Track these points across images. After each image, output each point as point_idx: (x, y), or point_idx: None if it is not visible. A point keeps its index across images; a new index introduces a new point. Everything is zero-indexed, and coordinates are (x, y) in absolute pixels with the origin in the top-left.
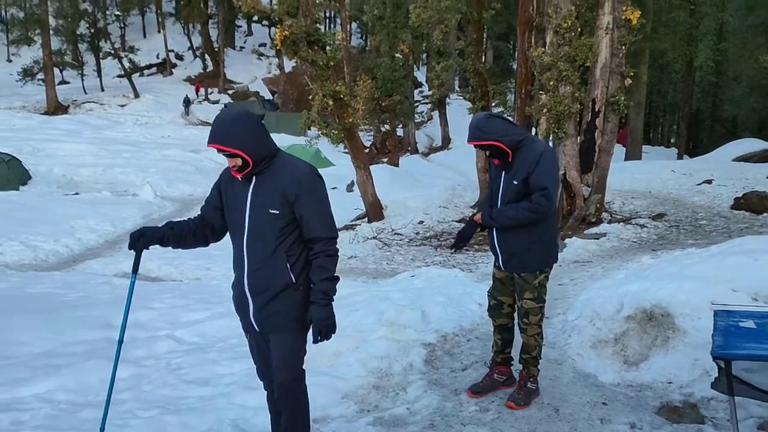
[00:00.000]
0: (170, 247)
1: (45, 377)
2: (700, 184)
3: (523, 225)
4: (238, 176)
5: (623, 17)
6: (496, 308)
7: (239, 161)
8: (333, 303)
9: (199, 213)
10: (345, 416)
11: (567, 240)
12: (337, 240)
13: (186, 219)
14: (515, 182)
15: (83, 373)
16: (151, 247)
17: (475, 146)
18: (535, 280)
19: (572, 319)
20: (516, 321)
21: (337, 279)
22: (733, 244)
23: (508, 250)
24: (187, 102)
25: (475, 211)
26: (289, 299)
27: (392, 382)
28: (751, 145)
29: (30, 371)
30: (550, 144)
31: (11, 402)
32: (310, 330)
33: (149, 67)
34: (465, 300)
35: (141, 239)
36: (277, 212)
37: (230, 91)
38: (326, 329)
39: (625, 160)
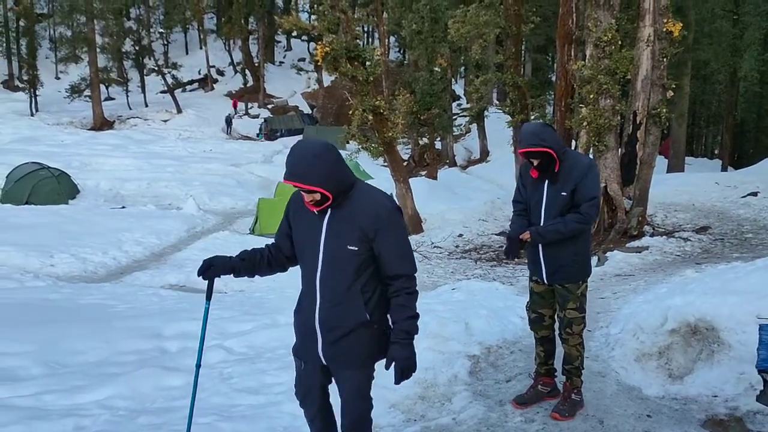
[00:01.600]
0: (246, 277)
1: (101, 385)
2: (745, 197)
3: (569, 237)
4: (315, 210)
5: (664, 29)
6: (537, 321)
7: (318, 196)
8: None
9: (273, 242)
10: (393, 425)
11: (608, 253)
12: (416, 277)
13: (260, 248)
14: (564, 194)
15: (137, 382)
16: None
17: (526, 154)
18: (578, 290)
19: (615, 332)
20: (557, 332)
21: (417, 317)
22: None
23: (555, 263)
24: (229, 121)
25: (506, 230)
26: (363, 337)
27: (438, 392)
28: None
29: (87, 379)
30: (591, 156)
31: (72, 408)
32: (391, 367)
33: (191, 82)
34: (507, 313)
35: (211, 269)
36: (356, 249)
37: (270, 106)
38: (408, 369)
39: (668, 172)
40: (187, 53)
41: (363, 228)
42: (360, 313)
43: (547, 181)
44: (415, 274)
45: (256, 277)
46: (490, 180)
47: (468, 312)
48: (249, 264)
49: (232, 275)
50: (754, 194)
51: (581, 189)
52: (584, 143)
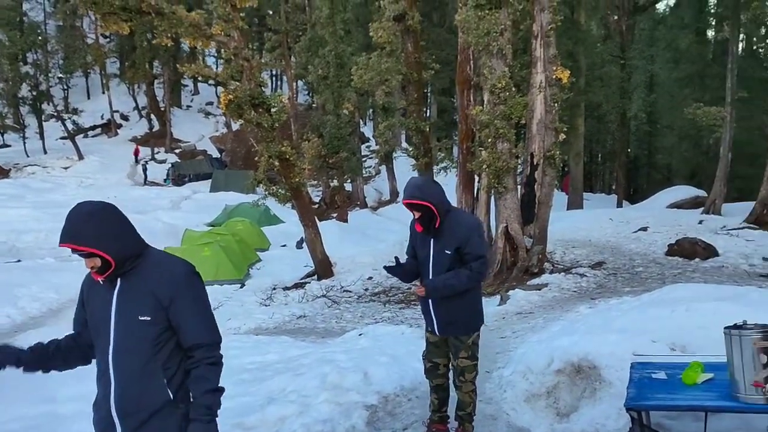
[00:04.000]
0: (40, 372)
1: None
2: (636, 232)
3: (458, 293)
4: (99, 279)
5: (554, 76)
6: (432, 370)
7: (98, 261)
8: (217, 419)
9: (73, 330)
10: None
11: (511, 292)
12: (221, 345)
13: (59, 338)
14: (447, 252)
15: None
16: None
17: (408, 205)
18: (469, 340)
19: (507, 374)
20: (451, 380)
21: (221, 390)
22: (662, 292)
23: (447, 317)
24: (145, 167)
25: (389, 262)
26: (168, 421)
27: None
28: (684, 191)
29: None
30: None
31: None
32: None
33: (93, 128)
34: (408, 359)
35: None
36: (149, 318)
37: (177, 150)
38: None
39: (568, 208)
40: (88, 98)
41: (156, 295)
42: (161, 394)
43: (433, 238)
44: (219, 343)
45: (52, 372)
46: (400, 221)
47: (369, 360)
48: (39, 356)
49: (15, 367)
50: (645, 229)
51: (468, 249)
52: (485, 185)
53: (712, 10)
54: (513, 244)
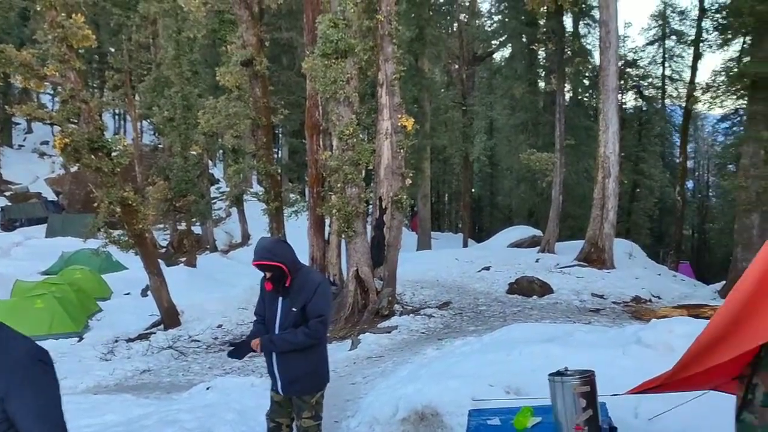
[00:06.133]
0: None
1: None
2: (480, 271)
3: (300, 351)
4: None
5: (400, 124)
6: (275, 430)
7: None
8: None
9: None
10: None
11: (362, 336)
12: None
13: None
14: (294, 309)
15: None
16: None
17: (259, 266)
18: (313, 399)
19: (354, 425)
20: None
21: None
22: (501, 333)
23: (289, 376)
24: None
25: (235, 339)
26: None
27: None
28: (523, 231)
29: None
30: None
31: None
32: None
33: None
34: (257, 413)
35: None
36: None
37: (8, 193)
38: None
39: (417, 248)
40: None
41: None
42: None
43: (281, 297)
44: None
45: None
46: (251, 264)
47: (215, 419)
48: None
49: None
50: (487, 268)
51: (310, 306)
52: (336, 229)
53: (542, 63)
54: (364, 286)
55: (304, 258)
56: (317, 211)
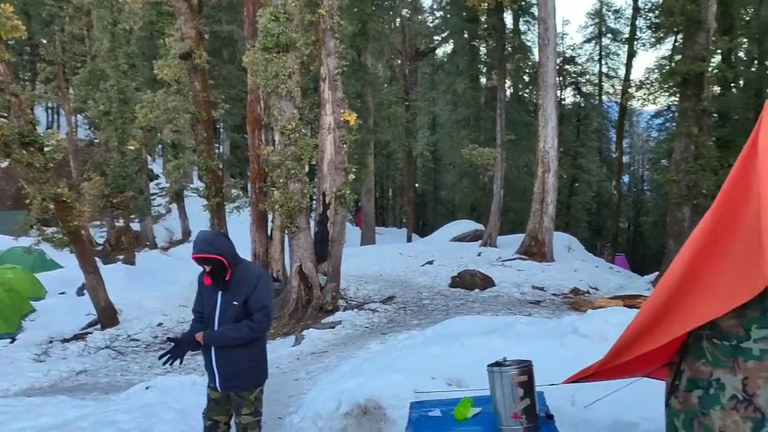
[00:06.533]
0: None
1: None
2: (423, 265)
3: (240, 346)
4: None
5: (342, 119)
6: (212, 428)
7: None
8: None
9: None
10: None
11: (305, 331)
12: None
13: None
14: (235, 303)
15: None
16: None
17: (198, 260)
18: (252, 396)
19: (297, 421)
20: None
21: None
22: (443, 326)
23: (229, 371)
24: None
25: (176, 335)
26: None
27: None
28: (466, 225)
29: None
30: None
31: None
32: None
33: None
34: (198, 411)
35: None
36: None
37: None
38: None
39: (361, 243)
40: None
41: None
42: None
43: (221, 291)
44: None
45: None
46: (192, 261)
47: (153, 418)
48: None
49: None
50: (431, 262)
51: (253, 299)
52: (279, 225)
53: (483, 59)
54: (307, 282)
55: (246, 254)
56: (260, 207)
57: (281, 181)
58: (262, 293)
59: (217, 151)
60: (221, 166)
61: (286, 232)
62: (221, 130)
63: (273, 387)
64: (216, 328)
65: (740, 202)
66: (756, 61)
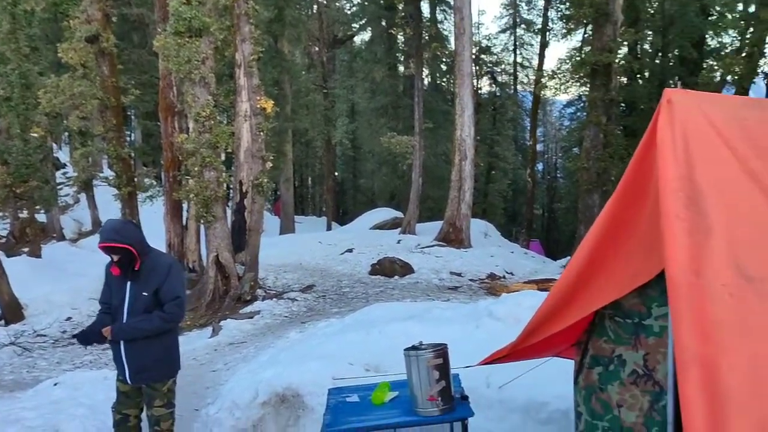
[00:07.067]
0: None
1: None
2: (343, 254)
3: (151, 337)
4: None
5: (258, 106)
6: (121, 422)
7: None
8: None
9: None
10: None
11: (223, 322)
12: None
13: None
14: (145, 294)
15: None
16: None
17: (106, 249)
18: (164, 387)
19: (214, 412)
20: (148, 430)
21: None
22: (362, 313)
23: (139, 364)
24: None
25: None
26: None
27: None
28: (385, 213)
29: None
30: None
31: None
32: None
33: None
34: (108, 407)
35: None
36: None
37: None
38: None
39: (280, 233)
40: None
41: None
42: None
43: (129, 281)
44: None
45: None
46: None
47: (62, 414)
48: None
49: None
50: (350, 251)
51: (164, 289)
52: (194, 214)
53: (401, 48)
54: (224, 272)
55: (161, 245)
56: (174, 196)
57: (196, 169)
58: (173, 283)
59: (128, 138)
60: (133, 154)
61: (202, 221)
62: (132, 117)
63: (189, 379)
64: (125, 320)
65: (641, 188)
66: (660, 53)
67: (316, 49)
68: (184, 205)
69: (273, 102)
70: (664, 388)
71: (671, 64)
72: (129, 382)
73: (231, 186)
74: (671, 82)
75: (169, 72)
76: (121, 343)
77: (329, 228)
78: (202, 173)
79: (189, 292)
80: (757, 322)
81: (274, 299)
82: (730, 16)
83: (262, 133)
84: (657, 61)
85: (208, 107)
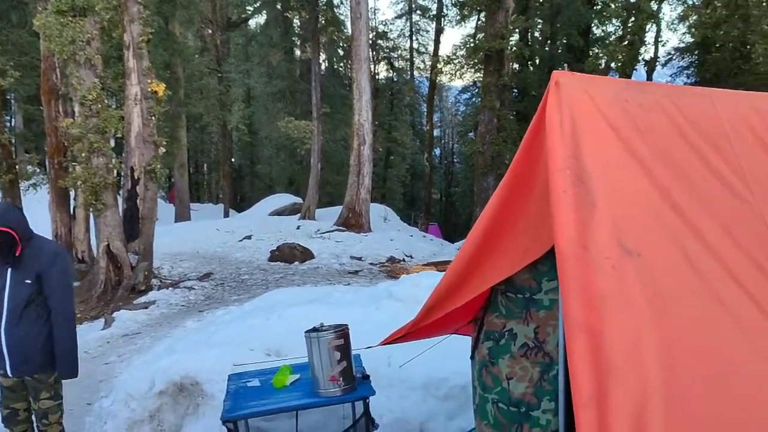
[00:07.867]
0: None
1: None
2: (242, 240)
3: (30, 326)
4: None
5: (149, 89)
6: (11, 417)
7: None
8: None
9: None
10: None
11: (116, 313)
12: None
13: None
14: (28, 281)
15: None
16: None
17: None
18: (50, 378)
19: (108, 405)
20: (35, 425)
21: None
22: (262, 299)
23: (20, 356)
24: None
25: None
26: None
27: None
28: (284, 199)
29: None
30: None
31: None
32: None
33: None
34: None
35: None
36: None
37: None
38: None
39: (176, 220)
40: None
41: None
42: None
43: (11, 268)
44: None
45: None
46: None
47: None
48: None
49: None
50: (249, 237)
51: (51, 282)
52: (82, 202)
53: (297, 32)
54: (117, 262)
55: (47, 236)
56: (60, 184)
57: (83, 155)
58: (59, 274)
59: (8, 124)
60: (13, 140)
61: (91, 209)
62: (12, 101)
63: (81, 373)
64: (6, 308)
65: (531, 169)
66: (549, 41)
67: (210, 31)
68: (71, 193)
69: (165, 85)
70: (554, 359)
71: (560, 51)
72: (10, 375)
73: (122, 173)
74: (560, 68)
75: (52, 53)
76: (1, 333)
77: (227, 215)
78: (89, 159)
79: (78, 284)
80: (635, 295)
81: (170, 288)
82: (613, 6)
83: (153, 118)
84: (546, 48)
85: (94, 90)
